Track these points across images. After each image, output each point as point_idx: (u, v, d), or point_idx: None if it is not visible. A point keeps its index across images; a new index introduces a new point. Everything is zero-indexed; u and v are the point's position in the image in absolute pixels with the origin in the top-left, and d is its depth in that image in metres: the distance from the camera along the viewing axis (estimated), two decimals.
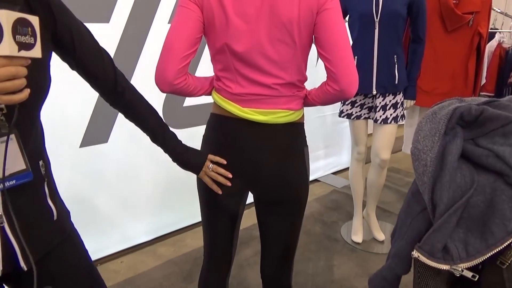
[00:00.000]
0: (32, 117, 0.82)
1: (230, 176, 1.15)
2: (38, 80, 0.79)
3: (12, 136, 0.75)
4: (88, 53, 0.91)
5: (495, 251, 0.61)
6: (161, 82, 1.08)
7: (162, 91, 1.11)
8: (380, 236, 2.51)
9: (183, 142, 1.14)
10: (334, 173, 3.63)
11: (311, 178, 3.39)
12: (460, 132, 0.68)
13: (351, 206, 2.63)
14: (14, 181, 0.75)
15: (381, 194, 2.50)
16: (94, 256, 2.16)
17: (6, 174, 0.74)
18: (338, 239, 2.54)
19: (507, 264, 0.60)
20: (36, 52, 0.65)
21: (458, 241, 0.63)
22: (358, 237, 2.50)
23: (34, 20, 0.64)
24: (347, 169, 2.57)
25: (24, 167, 0.77)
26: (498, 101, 0.72)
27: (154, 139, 1.09)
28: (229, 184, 1.15)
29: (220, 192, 1.16)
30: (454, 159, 0.65)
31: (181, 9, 1.06)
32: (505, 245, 0.60)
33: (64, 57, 0.89)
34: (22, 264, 0.79)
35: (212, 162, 1.16)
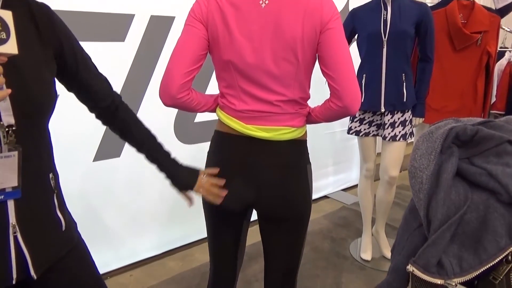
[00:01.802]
0: (41, 130, 0.86)
1: (223, 182, 1.15)
2: (42, 94, 0.82)
3: (15, 153, 0.77)
4: (90, 73, 0.97)
5: (488, 267, 0.63)
6: (164, 95, 1.12)
7: (165, 104, 1.15)
8: (390, 254, 2.49)
9: (178, 160, 1.15)
10: (343, 190, 3.63)
11: (320, 194, 3.41)
12: (455, 151, 0.71)
13: (361, 223, 2.63)
14: (2, 197, 0.77)
15: (391, 211, 2.49)
16: (103, 269, 2.22)
17: None
18: (347, 256, 2.54)
19: (499, 279, 0.62)
20: (10, 47, 0.62)
21: (453, 257, 0.65)
22: (367, 255, 2.49)
23: (6, 14, 0.62)
24: (357, 185, 2.58)
25: (16, 184, 0.78)
26: (493, 122, 0.75)
27: (150, 158, 1.11)
28: (223, 194, 1.15)
29: (218, 202, 1.15)
30: (449, 177, 0.68)
31: (187, 27, 1.12)
32: (497, 260, 0.62)
33: (63, 78, 0.93)
34: (32, 273, 0.83)
35: (207, 174, 1.16)
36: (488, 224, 0.64)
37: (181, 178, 1.13)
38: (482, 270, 0.63)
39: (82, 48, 0.96)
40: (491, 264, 0.63)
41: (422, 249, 0.66)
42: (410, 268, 0.66)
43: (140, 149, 1.10)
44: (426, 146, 0.72)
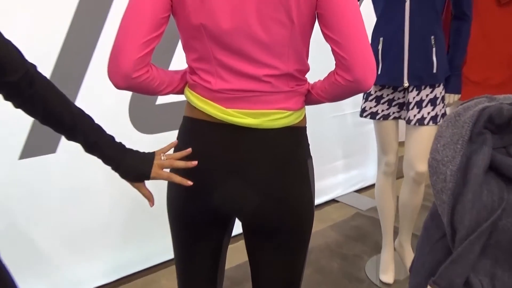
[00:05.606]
0: None
1: (195, 163, 1.16)
2: None
3: None
4: None
5: None
6: (115, 75, 1.11)
7: (117, 86, 1.14)
8: None
9: (124, 145, 1.17)
10: (357, 191, 3.68)
11: (326, 198, 3.45)
12: (489, 138, 0.74)
13: (379, 235, 2.68)
14: None
15: (418, 218, 2.54)
16: None
17: None
18: (362, 279, 2.59)
19: None
20: None
21: (484, 275, 0.68)
22: (388, 276, 2.54)
23: None
24: (374, 185, 2.62)
25: None
26: None
27: (87, 146, 1.12)
28: (192, 164, 1.15)
29: (188, 183, 1.15)
30: (479, 172, 0.70)
31: None
32: None
33: None
34: None
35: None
36: None
37: (132, 166, 1.15)
38: None
39: None
40: None
41: (444, 266, 0.69)
42: None
43: (71, 136, 1.10)
44: (451, 132, 0.74)
